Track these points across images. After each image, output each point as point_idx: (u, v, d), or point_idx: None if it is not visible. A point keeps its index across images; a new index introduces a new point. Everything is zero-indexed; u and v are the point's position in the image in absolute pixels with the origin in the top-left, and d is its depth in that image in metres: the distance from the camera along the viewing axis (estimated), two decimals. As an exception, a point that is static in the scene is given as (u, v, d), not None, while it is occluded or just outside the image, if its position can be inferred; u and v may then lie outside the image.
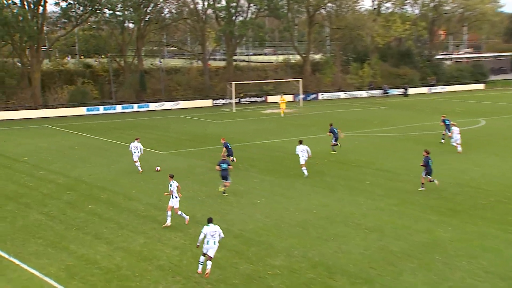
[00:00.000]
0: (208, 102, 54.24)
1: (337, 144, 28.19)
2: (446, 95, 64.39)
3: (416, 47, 76.44)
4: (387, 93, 64.61)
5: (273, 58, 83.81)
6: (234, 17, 58.09)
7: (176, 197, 17.33)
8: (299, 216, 18.34)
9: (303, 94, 57.79)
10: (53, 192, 21.36)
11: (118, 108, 49.31)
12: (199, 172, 24.66)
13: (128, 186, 22.48)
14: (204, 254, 13.64)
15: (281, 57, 72.68)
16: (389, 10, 69.26)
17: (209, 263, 13.44)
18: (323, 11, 66.03)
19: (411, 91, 65.33)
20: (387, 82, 67.59)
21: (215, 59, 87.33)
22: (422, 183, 21.10)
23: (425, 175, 21.04)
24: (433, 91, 68.43)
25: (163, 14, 57.09)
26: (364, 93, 64.25)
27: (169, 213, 17.35)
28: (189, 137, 34.62)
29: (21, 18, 44.74)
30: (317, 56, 72.45)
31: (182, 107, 52.06)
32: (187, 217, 17.47)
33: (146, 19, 55.00)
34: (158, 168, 24.69)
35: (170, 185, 17.32)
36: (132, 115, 47.57)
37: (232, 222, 17.80)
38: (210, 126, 40.29)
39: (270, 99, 57.14)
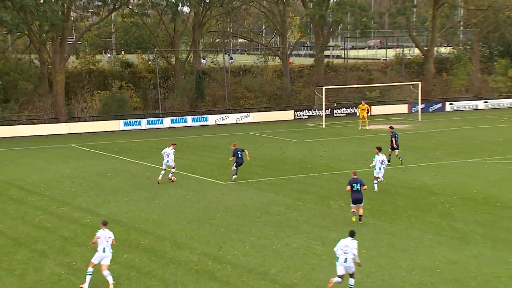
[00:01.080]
0: (288, 114, 54.98)
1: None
2: None
3: None
4: None
5: (380, 53, 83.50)
6: (326, -4, 58.67)
7: (105, 252, 17.27)
8: (415, 278, 18.13)
9: (423, 103, 57.07)
10: (77, 236, 22.23)
11: (166, 122, 51.06)
12: (275, 212, 25.13)
13: (177, 228, 23.08)
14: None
15: (392, 52, 72.17)
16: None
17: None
18: (455, -16, 65.33)
19: None
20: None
21: (299, 55, 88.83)
22: None
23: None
24: None
25: (229, -6, 58.74)
26: (515, 102, 62.86)
27: (90, 270, 17.28)
28: (261, 162, 35.41)
29: (41, 1, 46.59)
30: (445, 50, 71.23)
31: (253, 121, 53.16)
32: (111, 282, 17.08)
33: (207, 0, 56.60)
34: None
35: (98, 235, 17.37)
36: (185, 131, 49.07)
37: (319, 282, 17.68)
38: (290, 147, 40.91)
39: (376, 110, 56.76)
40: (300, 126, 50.86)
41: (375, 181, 27.94)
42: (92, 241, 17.84)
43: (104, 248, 17.31)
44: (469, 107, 60.59)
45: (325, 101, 50.92)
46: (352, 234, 16.99)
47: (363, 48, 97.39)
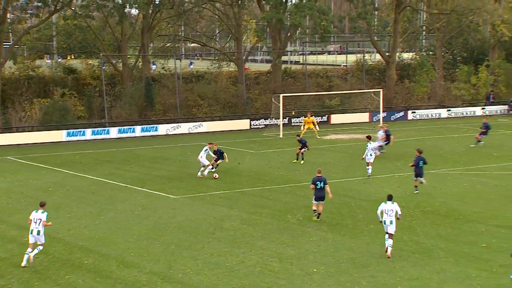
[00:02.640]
0: (243, 123, 55.22)
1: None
2: None
3: None
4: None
5: (341, 58, 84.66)
6: (284, -1, 59.26)
7: (39, 234, 20.51)
8: (378, 297, 18.31)
9: (385, 111, 58.01)
10: (13, 256, 21.78)
11: (113, 132, 50.70)
12: (230, 227, 25.19)
13: (124, 246, 22.92)
14: None
15: (352, 58, 73.17)
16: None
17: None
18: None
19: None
20: (516, 94, 66.56)
21: (255, 61, 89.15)
22: (415, 186, 30.31)
23: (415, 177, 30.17)
24: None
25: (180, -5, 58.71)
26: (479, 110, 64.05)
27: (29, 250, 20.52)
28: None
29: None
30: (407, 56, 72.56)
31: (206, 130, 53.21)
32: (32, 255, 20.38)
33: (157, 2, 56.48)
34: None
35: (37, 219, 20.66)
36: (133, 141, 48.76)
37: (276, 303, 17.83)
38: (246, 158, 41.02)
39: (336, 119, 57.38)
40: (256, 136, 51.01)
41: (368, 167, 33.66)
42: (28, 222, 20.81)
43: (35, 230, 20.39)
44: (432, 115, 61.84)
45: (282, 110, 51.22)
46: (390, 198, 22.00)
47: (323, 54, 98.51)
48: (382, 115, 55.03)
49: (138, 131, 51.26)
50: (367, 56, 71.38)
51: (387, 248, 21.40)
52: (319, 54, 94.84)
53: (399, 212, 21.91)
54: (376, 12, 67.49)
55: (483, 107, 63.71)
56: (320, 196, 25.46)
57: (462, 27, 66.33)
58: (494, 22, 64.31)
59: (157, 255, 21.80)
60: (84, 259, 21.46)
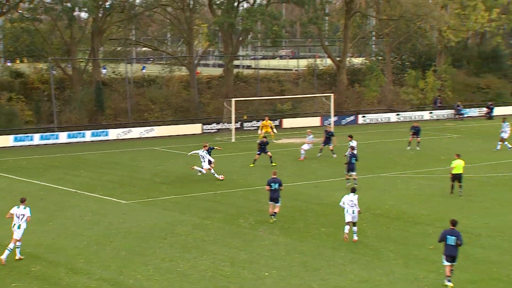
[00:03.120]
0: (195, 128, 55.11)
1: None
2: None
3: (508, 46, 77.13)
4: (462, 114, 65.02)
5: (292, 63, 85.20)
6: (236, 4, 59.31)
7: (19, 228, 21.60)
8: (329, 299, 18.49)
9: (336, 115, 58.57)
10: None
11: (63, 137, 49.98)
12: (181, 232, 25.09)
13: (73, 253, 22.61)
14: None
15: (304, 62, 73.71)
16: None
17: None
18: (366, -7, 67.55)
19: (498, 111, 65.90)
20: (462, 99, 68.05)
21: (207, 65, 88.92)
22: (347, 178, 32.53)
23: (347, 171, 32.39)
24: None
25: (131, -1, 58.30)
26: (426, 115, 65.22)
27: (11, 245, 21.55)
28: (167, 179, 35.31)
29: None
30: (357, 61, 73.51)
31: (158, 135, 52.90)
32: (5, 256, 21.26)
33: (107, 5, 55.96)
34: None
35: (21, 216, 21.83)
36: (83, 146, 48.21)
37: (228, 307, 17.82)
38: (198, 162, 40.74)
39: (287, 123, 57.66)
40: (208, 140, 50.36)
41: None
42: (7, 215, 21.89)
43: (18, 225, 21.59)
44: (381, 119, 62.72)
45: (234, 114, 51.26)
46: (353, 191, 24.05)
47: (274, 58, 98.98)
48: (333, 119, 55.55)
49: (88, 135, 50.60)
50: (318, 61, 72.00)
51: (345, 235, 23.40)
52: (270, 58, 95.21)
53: (356, 205, 23.77)
54: (326, 18, 68.08)
55: (431, 111, 64.92)
56: (274, 197, 26.05)
57: (410, 32, 67.44)
58: (441, 28, 65.60)
59: (107, 261, 21.55)
60: (32, 266, 21.08)
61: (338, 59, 66.89)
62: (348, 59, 68.44)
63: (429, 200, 30.32)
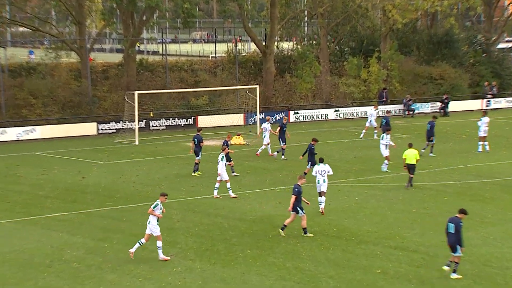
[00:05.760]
0: (89, 128, 54.52)
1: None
2: (515, 113, 66.65)
3: (463, 29, 79.16)
4: (412, 110, 66.32)
5: (208, 48, 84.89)
6: (137, -25, 58.66)
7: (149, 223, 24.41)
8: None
9: (262, 111, 58.77)
10: None
11: None
12: (72, 258, 24.72)
13: None
14: None
15: (223, 47, 73.56)
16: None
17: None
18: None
19: (453, 106, 67.65)
20: (412, 91, 69.48)
21: (103, 51, 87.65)
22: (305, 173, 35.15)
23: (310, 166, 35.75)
24: (492, 105, 70.76)
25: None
26: (371, 111, 65.78)
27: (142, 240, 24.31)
28: (53, 192, 34.88)
29: None
30: (287, 46, 73.89)
31: (41, 137, 52.16)
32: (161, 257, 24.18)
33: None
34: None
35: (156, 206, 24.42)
36: None
37: None
38: (93, 171, 40.51)
39: (204, 121, 57.41)
40: (105, 143, 50.37)
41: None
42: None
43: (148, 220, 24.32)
44: (317, 116, 63.27)
45: (138, 110, 50.87)
46: (321, 161, 30.43)
47: (187, 42, 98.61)
48: (259, 116, 55.62)
49: (-50, 138, 49.31)
50: (240, 46, 72.03)
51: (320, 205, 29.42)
52: (182, 43, 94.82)
53: (331, 172, 30.30)
54: (251, -7, 68.36)
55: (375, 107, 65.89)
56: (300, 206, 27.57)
57: (349, 12, 68.39)
58: (385, 7, 66.71)
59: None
60: None
61: (264, 43, 67.04)
62: (276, 43, 68.73)
63: (375, 214, 30.63)
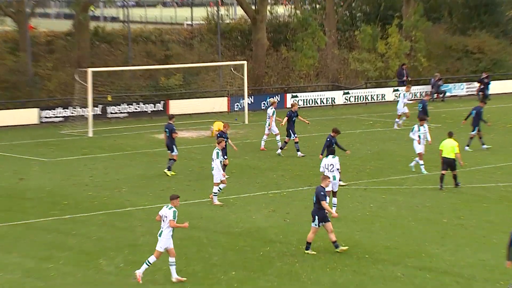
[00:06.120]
0: (29, 115, 54.67)
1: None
2: None
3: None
4: (442, 92, 66.23)
5: (182, 14, 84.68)
6: None
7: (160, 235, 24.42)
8: None
9: (252, 95, 59.19)
10: None
11: None
12: (3, 284, 24.53)
13: None
14: None
15: (201, 12, 73.48)
16: None
17: None
18: None
19: (495, 87, 67.71)
20: (443, 69, 69.46)
21: (47, 16, 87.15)
22: None
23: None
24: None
25: None
26: (389, 93, 66.32)
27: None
28: None
29: None
30: (284, 11, 73.76)
31: (-35, 127, 52.11)
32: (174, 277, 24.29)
33: None
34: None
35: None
36: None
37: None
38: (34, 170, 40.58)
39: (177, 106, 57.31)
40: (50, 135, 50.50)
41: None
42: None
43: (160, 232, 24.26)
44: (322, 101, 63.19)
45: (92, 93, 50.86)
46: (332, 152, 32.44)
47: (155, 6, 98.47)
48: (247, 100, 55.50)
49: None
50: (223, 11, 71.88)
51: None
52: (149, 6, 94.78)
53: (339, 166, 31.30)
54: None
55: (396, 88, 65.76)
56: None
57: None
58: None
59: None
60: None
61: (253, 7, 66.91)
62: (269, 8, 68.72)
63: (395, 225, 30.58)
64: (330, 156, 31.57)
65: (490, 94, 65.84)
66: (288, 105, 61.22)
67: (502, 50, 72.27)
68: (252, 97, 58.53)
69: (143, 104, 57.49)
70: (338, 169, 31.10)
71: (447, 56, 71.21)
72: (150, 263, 24.05)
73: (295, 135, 43.34)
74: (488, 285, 24.29)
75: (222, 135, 37.26)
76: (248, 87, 55.63)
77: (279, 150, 43.28)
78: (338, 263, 26.24)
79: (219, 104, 58.74)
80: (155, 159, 41.66)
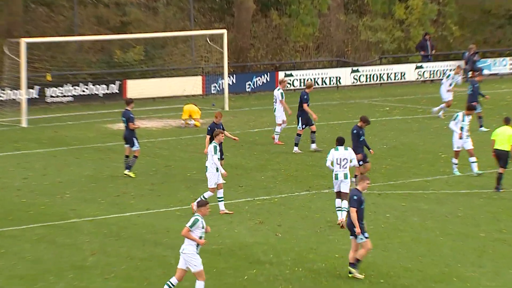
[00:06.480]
0: None
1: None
2: None
3: None
4: (479, 69, 66.27)
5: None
6: None
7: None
8: None
9: (233, 73, 60.09)
10: None
11: None
12: None
13: None
14: None
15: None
16: None
17: None
18: None
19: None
20: (479, 39, 69.58)
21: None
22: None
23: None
24: None
25: None
26: (411, 70, 66.62)
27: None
28: None
29: None
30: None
31: None
32: None
33: None
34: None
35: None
36: None
37: None
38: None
39: (136, 88, 57.45)
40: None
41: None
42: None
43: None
44: (324, 81, 63.36)
45: (27, 70, 51.19)
46: (341, 142, 31.07)
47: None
48: (227, 80, 55.51)
49: None
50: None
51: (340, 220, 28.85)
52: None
53: (355, 162, 31.59)
54: None
55: (419, 64, 65.94)
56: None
57: None
58: None
59: None
60: None
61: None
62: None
63: (418, 241, 30.58)
64: (342, 148, 30.98)
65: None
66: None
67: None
68: (234, 76, 58.60)
69: (93, 85, 57.53)
70: (355, 165, 31.77)
71: (485, 23, 71.39)
72: (172, 285, 24.49)
73: (309, 124, 43.93)
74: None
75: (215, 127, 36.50)
76: (228, 63, 55.63)
77: (296, 148, 43.82)
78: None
79: (191, 85, 58.68)
80: (109, 156, 41.70)
